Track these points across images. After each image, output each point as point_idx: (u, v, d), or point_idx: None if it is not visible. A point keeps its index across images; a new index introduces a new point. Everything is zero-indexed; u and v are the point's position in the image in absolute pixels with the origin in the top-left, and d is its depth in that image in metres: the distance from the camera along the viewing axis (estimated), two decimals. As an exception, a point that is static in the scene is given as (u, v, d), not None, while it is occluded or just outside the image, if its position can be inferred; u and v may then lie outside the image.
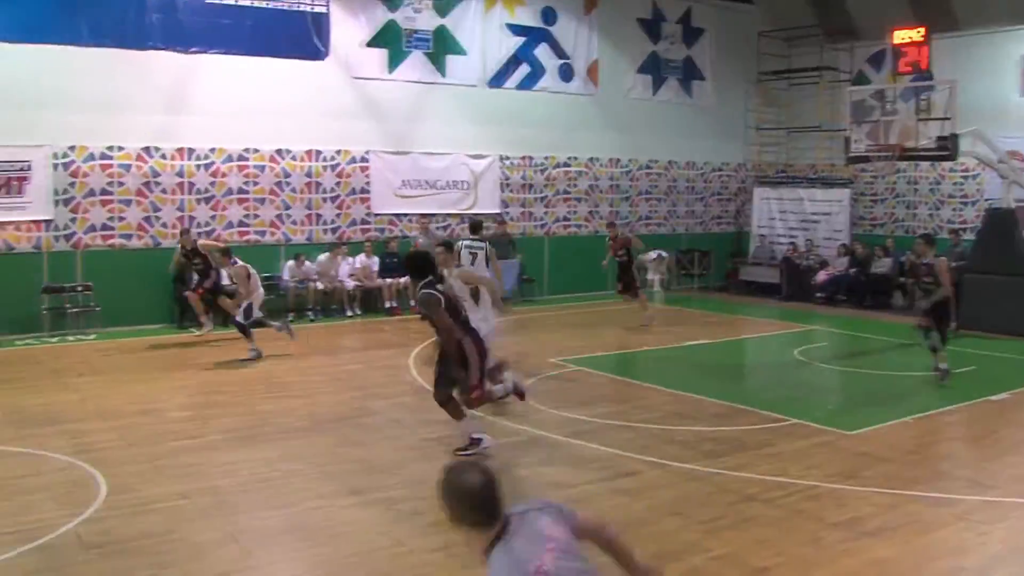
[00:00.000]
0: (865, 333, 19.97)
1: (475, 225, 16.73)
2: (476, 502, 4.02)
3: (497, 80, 24.80)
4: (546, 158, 25.82)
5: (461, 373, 10.26)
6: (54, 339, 18.71)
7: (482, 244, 15.23)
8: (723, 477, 9.50)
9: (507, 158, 25.18)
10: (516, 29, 25.05)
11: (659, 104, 27.61)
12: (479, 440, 10.44)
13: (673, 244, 27.82)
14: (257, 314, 16.93)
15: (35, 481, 9.66)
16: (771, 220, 28.68)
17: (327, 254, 22.02)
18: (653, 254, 25.77)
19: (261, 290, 17.51)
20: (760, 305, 24.53)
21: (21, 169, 19.55)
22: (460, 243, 15.05)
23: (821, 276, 25.50)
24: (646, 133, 27.28)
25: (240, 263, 17.26)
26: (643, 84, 27.42)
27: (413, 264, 10.59)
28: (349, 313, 21.86)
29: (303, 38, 22.14)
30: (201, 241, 18.77)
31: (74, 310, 19.61)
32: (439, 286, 10.28)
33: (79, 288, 19.82)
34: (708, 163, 29.00)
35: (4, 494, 9.16)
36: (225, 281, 18.48)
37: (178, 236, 19.16)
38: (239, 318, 16.82)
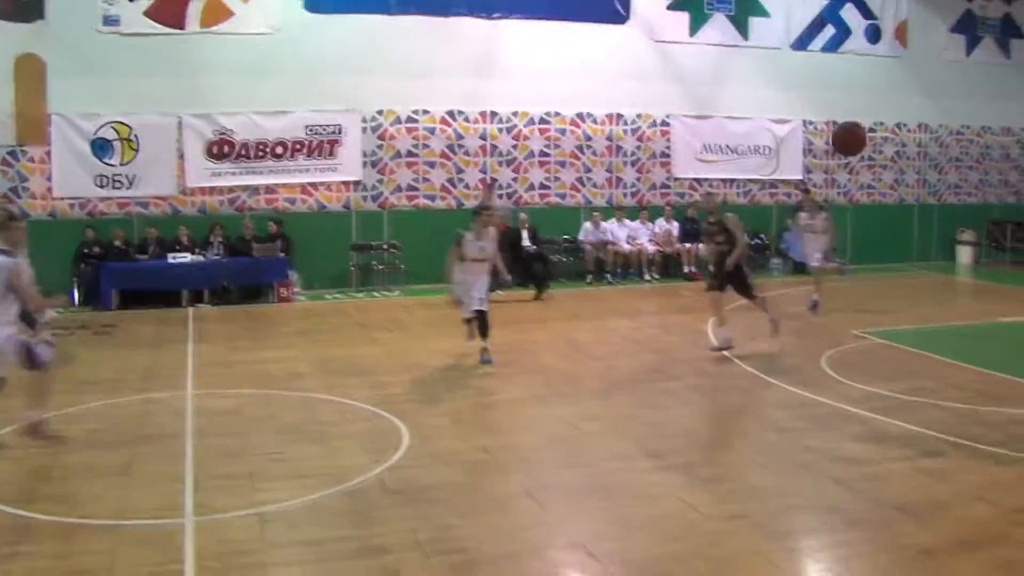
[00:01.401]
0: None
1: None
2: None
3: (801, 42, 24.07)
4: (852, 123, 24.87)
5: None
6: (361, 294, 19.48)
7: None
8: (1036, 464, 8.81)
9: (810, 123, 24.43)
10: (822, -11, 24.22)
11: (973, 65, 25.87)
12: None
13: (984, 215, 26.29)
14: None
15: (343, 428, 10.01)
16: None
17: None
18: None
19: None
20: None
21: (334, 133, 20.39)
22: None
23: None
24: (958, 96, 25.65)
25: None
26: (956, 44, 25.81)
27: None
28: (647, 277, 21.76)
29: (604, 2, 22.17)
30: None
31: (380, 267, 20.35)
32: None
33: (385, 246, 20.54)
34: (1027, 128, 27.17)
35: (316, 439, 9.55)
36: None
37: None
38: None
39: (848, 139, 16.88)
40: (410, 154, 21.07)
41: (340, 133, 20.59)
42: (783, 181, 24.03)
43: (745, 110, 23.56)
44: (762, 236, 23.46)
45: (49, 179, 19.19)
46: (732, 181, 23.65)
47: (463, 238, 13.09)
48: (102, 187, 19.47)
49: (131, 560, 6.58)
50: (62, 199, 19.28)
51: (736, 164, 23.69)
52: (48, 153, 19.10)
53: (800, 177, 24.02)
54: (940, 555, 6.67)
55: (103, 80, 19.01)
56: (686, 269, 22.21)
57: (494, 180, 21.27)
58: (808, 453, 9.04)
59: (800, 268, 22.17)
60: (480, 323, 13.08)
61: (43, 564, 6.54)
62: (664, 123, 22.99)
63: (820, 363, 12.88)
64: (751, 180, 23.89)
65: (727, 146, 23.54)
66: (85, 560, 6.59)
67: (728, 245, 13.57)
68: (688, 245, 22.11)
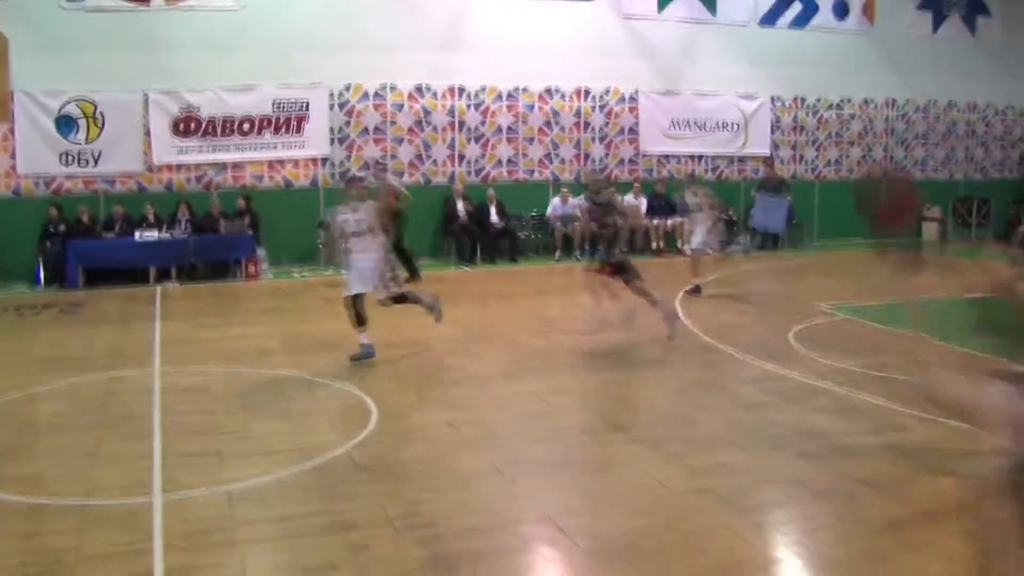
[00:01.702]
0: None
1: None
2: None
3: (769, 18, 24.06)
4: (818, 99, 24.95)
5: None
6: (328, 271, 19.37)
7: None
8: (1000, 438, 8.85)
9: (778, 99, 24.48)
10: (791, -36, 24.23)
11: (939, 42, 25.93)
12: None
13: (950, 191, 26.38)
14: None
15: (311, 404, 10.00)
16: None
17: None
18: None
19: None
20: (1046, 256, 22.92)
21: (301, 109, 20.29)
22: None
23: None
24: (924, 73, 25.68)
25: None
26: (922, 21, 25.86)
27: None
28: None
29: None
30: None
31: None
32: None
33: (353, 223, 20.41)
34: (991, 105, 27.20)
35: (284, 415, 9.54)
36: None
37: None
38: None
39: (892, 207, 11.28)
40: (377, 130, 20.99)
41: (307, 109, 20.47)
42: (751, 157, 24.07)
43: (713, 86, 23.56)
44: (730, 212, 23.47)
45: (13, 157, 18.99)
46: (700, 157, 23.69)
47: (337, 213, 12.44)
48: (67, 165, 19.28)
49: (99, 539, 6.54)
50: (26, 177, 19.09)
51: (704, 140, 23.71)
52: (12, 131, 18.86)
53: (767, 153, 24.05)
54: (906, 527, 6.74)
55: (67, 57, 18.80)
56: (654, 245, 22.23)
57: (382, 163, 20.53)
58: (775, 427, 9.09)
59: (766, 242, 22.41)
60: (404, 300, 12.51)
61: (9, 544, 6.48)
62: (632, 99, 22.97)
63: (787, 338, 12.94)
64: (719, 156, 23.93)
65: (695, 122, 23.54)
66: (52, 539, 6.55)
67: (612, 229, 12.99)
68: (656, 220, 22.13)
